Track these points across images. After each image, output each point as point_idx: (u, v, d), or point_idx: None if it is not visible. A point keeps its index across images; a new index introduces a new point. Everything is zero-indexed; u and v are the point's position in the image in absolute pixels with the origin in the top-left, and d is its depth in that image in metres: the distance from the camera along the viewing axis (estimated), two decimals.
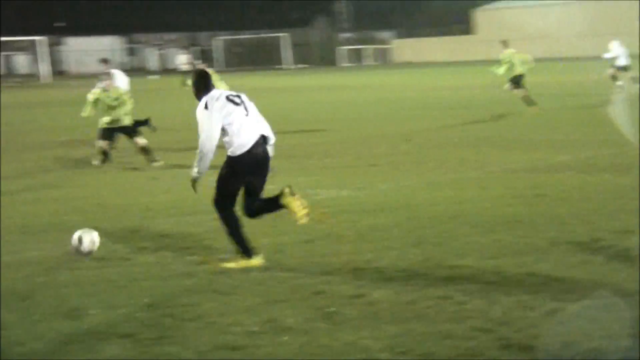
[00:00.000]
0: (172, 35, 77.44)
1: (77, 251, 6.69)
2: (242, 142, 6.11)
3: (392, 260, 6.32)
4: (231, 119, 6.10)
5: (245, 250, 6.30)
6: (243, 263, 6.28)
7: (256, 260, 6.30)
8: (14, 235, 7.83)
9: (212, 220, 8.14)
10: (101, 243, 6.79)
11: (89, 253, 6.71)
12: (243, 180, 6.21)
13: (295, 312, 5.20)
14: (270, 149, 6.34)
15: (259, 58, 72.04)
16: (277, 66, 68.31)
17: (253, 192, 6.29)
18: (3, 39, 56.75)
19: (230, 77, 53.75)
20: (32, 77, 58.52)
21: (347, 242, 7.05)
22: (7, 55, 67.64)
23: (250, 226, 6.47)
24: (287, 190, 6.26)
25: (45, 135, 18.30)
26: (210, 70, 8.51)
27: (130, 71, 33.04)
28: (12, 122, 21.93)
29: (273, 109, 26.20)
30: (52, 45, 65.06)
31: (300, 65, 69.19)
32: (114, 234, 7.63)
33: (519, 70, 19.37)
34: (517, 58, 19.53)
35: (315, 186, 10.08)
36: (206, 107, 6.10)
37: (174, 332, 4.90)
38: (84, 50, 67.28)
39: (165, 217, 8.48)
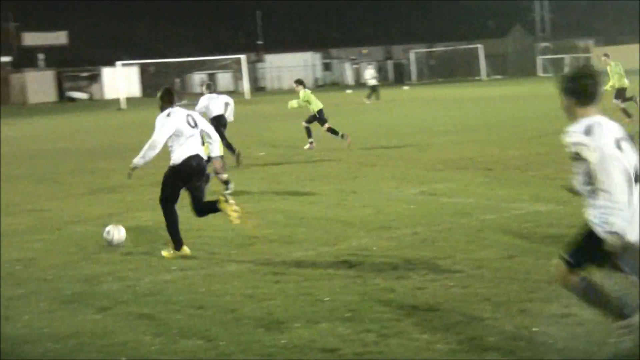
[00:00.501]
0: (367, 49, 78.84)
1: (109, 243, 8.44)
2: (181, 154, 7.89)
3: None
4: (180, 133, 7.89)
5: (177, 242, 7.94)
6: (172, 253, 7.90)
7: (184, 251, 7.92)
8: (220, 247, 8.33)
9: (412, 235, 8.15)
10: (298, 257, 7.11)
11: (119, 244, 8.42)
12: (181, 185, 7.98)
13: (497, 330, 5.12)
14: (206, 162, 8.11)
15: (455, 69, 71.38)
16: (473, 77, 67.27)
17: (195, 195, 8.00)
18: (208, 58, 61.21)
19: (425, 89, 53.23)
20: (234, 94, 62.61)
21: (549, 258, 6.80)
22: (211, 74, 72.87)
23: (446, 242, 6.40)
24: (222, 198, 7.92)
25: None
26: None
27: (326, 86, 33.94)
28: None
29: (473, 117, 25.60)
30: (252, 62, 69.01)
31: (496, 77, 67.60)
32: (311, 248, 7.91)
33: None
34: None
35: (514, 200, 9.84)
36: (167, 115, 7.95)
37: (376, 348, 4.96)
38: (281, 66, 70.57)
39: (364, 231, 8.63)
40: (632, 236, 4.27)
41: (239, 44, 70.43)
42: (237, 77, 66.87)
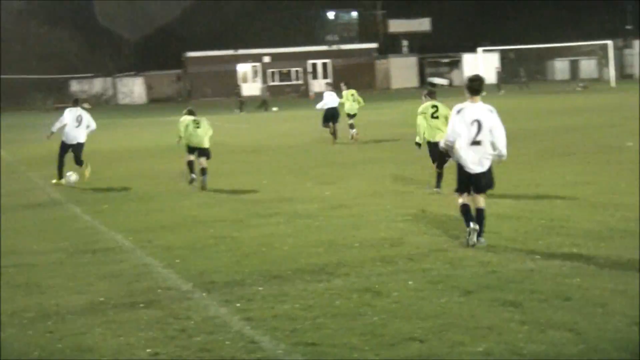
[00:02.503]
0: None
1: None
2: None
3: None
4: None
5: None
6: None
7: None
8: (585, 240, 8.12)
9: None
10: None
11: None
12: None
13: None
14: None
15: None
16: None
17: None
18: (572, 44, 58.68)
19: None
20: (598, 82, 59.16)
21: None
22: (573, 61, 69.73)
23: None
24: None
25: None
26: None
27: None
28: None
29: None
30: (619, 49, 64.39)
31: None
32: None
33: None
34: None
35: None
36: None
37: None
38: None
39: None
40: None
41: (606, 29, 66.09)
42: (602, 64, 63.05)
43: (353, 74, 70.33)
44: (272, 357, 5.21)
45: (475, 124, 8.22)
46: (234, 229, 9.84)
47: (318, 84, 68.11)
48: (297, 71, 70.39)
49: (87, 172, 15.87)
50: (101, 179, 15.97)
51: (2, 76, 66.27)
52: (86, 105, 20.03)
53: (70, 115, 15.66)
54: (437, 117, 12.63)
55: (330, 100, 22.93)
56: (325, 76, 70.67)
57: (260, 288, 6.94)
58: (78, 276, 7.74)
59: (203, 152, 14.20)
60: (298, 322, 5.87)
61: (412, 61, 72.42)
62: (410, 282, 6.90)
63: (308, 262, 7.87)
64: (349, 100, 22.78)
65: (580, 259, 7.38)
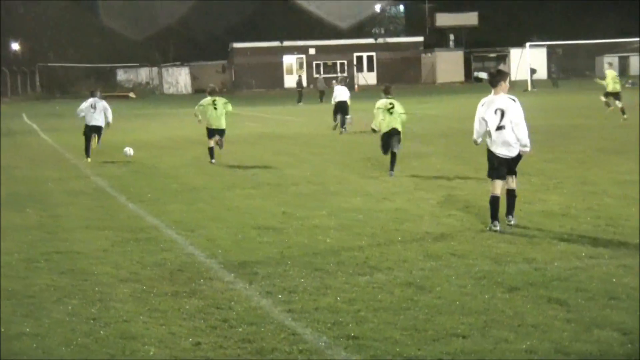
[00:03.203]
0: None
1: None
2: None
3: None
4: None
5: None
6: None
7: None
8: (634, 238, 7.99)
9: None
10: None
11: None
12: None
13: None
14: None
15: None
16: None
17: None
18: (621, 40, 57.41)
19: None
20: None
21: None
22: (622, 57, 68.31)
23: None
24: None
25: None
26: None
27: None
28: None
29: None
30: None
31: None
32: None
33: None
34: None
35: None
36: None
37: None
38: None
39: None
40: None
41: None
42: None
43: (399, 68, 70.20)
44: (313, 349, 5.22)
45: (499, 112, 8.85)
46: (277, 220, 9.89)
47: (363, 77, 68.05)
48: (342, 64, 70.24)
49: (95, 144, 18.52)
50: (146, 169, 16.20)
51: (51, 64, 67.48)
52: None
53: (86, 103, 18.55)
54: (392, 113, 14.07)
55: (339, 93, 24.12)
56: (370, 69, 70.48)
57: (302, 280, 6.97)
58: (122, 264, 7.85)
59: (220, 133, 16.68)
60: (340, 315, 5.88)
61: (458, 55, 71.76)
62: (453, 278, 6.87)
63: (351, 255, 7.88)
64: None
65: (628, 258, 7.26)
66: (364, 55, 70.91)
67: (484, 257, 7.59)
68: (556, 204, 10.26)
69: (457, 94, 48.82)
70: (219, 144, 16.82)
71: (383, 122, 13.98)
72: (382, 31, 78.31)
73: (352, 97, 25.95)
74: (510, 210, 9.05)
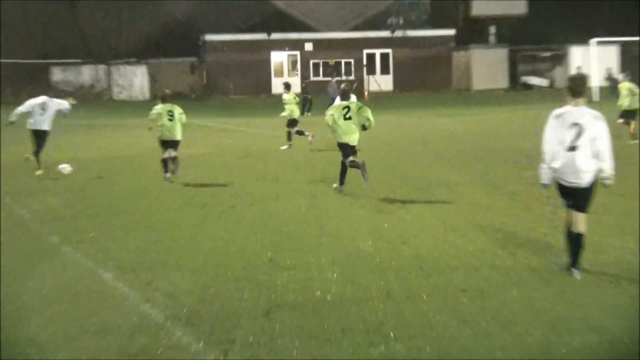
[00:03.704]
0: None
1: None
2: None
3: None
4: None
5: None
6: None
7: None
8: None
9: None
10: None
11: None
12: None
13: None
14: None
15: None
16: None
17: None
18: None
19: None
20: None
21: None
22: None
23: None
24: None
25: None
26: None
27: None
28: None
29: None
30: None
31: None
32: None
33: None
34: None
35: None
36: None
37: None
38: None
39: None
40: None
41: None
42: None
43: (422, 70, 70.52)
44: None
45: (575, 128, 8.95)
46: (261, 270, 9.82)
47: (375, 82, 68.39)
48: (348, 63, 70.69)
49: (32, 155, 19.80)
50: (88, 196, 16.14)
51: None
52: (71, 101, 21.34)
53: (35, 101, 20.04)
54: (349, 119, 15.84)
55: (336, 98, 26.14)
56: (385, 71, 70.84)
57: (294, 351, 6.94)
58: (55, 328, 7.76)
59: (174, 145, 18.40)
60: None
61: (501, 54, 72.03)
62: (498, 353, 6.86)
63: (360, 318, 7.84)
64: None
65: None
66: (377, 52, 71.34)
67: (539, 324, 7.54)
68: (633, 253, 10.22)
69: (498, 104, 49.02)
70: (173, 167, 18.49)
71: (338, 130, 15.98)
72: (401, 22, 78.59)
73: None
74: (575, 260, 9.14)
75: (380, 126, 28.08)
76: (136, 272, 9.84)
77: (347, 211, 14.01)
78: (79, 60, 70.68)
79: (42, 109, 19.96)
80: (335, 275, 9.52)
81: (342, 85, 16.96)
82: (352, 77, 68.65)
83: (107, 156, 24.32)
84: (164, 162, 18.44)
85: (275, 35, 69.50)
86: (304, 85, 51.78)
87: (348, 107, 16.00)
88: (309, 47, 70.23)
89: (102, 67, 71.61)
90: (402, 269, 9.79)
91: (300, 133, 25.93)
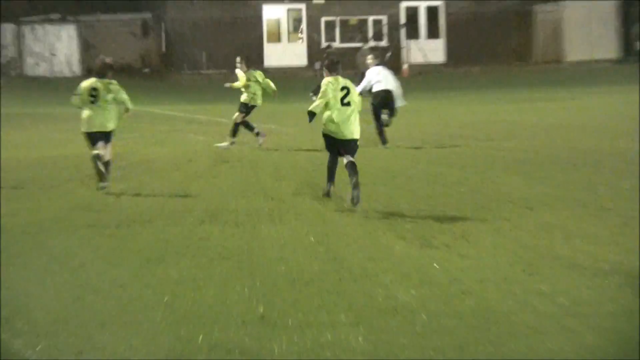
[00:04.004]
0: None
1: None
2: None
3: None
4: None
5: None
6: None
7: None
8: None
9: None
10: None
11: None
12: None
13: None
14: None
15: None
16: None
17: None
18: None
19: None
20: None
21: None
22: None
23: None
24: None
25: None
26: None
27: None
28: None
29: None
30: None
31: None
32: None
33: None
34: None
35: None
36: None
37: None
38: None
39: None
40: None
41: None
42: None
43: (488, 32, 70.48)
44: None
45: None
46: (248, 332, 9.78)
47: (419, 50, 68.34)
48: (377, 22, 70.80)
49: None
50: None
51: None
52: None
53: None
54: (348, 104, 16.74)
55: (377, 78, 27.05)
56: (433, 34, 70.89)
57: None
58: None
59: (105, 137, 19.19)
60: None
61: (608, 8, 71.93)
62: None
63: None
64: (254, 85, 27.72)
65: None
66: (422, 5, 71.51)
67: None
68: None
69: (603, 83, 48.94)
70: (103, 171, 19.10)
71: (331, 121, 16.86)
72: None
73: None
74: None
75: (425, 116, 28.19)
76: (66, 347, 9.77)
77: (376, 241, 14.01)
78: None
79: None
80: (360, 341, 9.46)
81: (324, 60, 17.98)
82: (383, 43, 68.76)
83: (22, 162, 24.33)
84: (96, 162, 18.95)
85: None
86: (325, 56, 51.63)
87: (347, 87, 16.74)
88: None
89: (8, 27, 71.76)
90: (462, 332, 9.74)
91: (248, 127, 27.22)
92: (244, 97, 27.36)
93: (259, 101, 27.31)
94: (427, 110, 36.96)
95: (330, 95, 16.61)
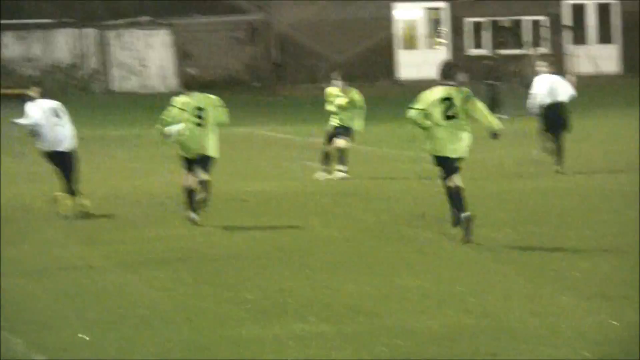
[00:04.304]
0: None
1: None
2: None
3: None
4: None
5: None
6: None
7: None
8: None
9: None
10: None
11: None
12: None
13: None
14: None
15: None
16: None
17: None
18: None
19: None
20: None
21: None
22: None
23: None
24: None
25: None
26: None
27: None
28: None
29: None
30: None
31: None
32: None
33: None
34: None
35: None
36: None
37: None
38: None
39: None
40: None
41: None
42: None
43: None
44: None
45: None
46: None
47: (588, 57, 67.70)
48: (535, 24, 70.50)
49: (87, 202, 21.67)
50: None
51: None
52: (32, 93, 22.17)
53: (36, 108, 21.71)
54: (453, 117, 16.94)
55: (545, 88, 27.87)
56: (605, 38, 70.30)
57: None
58: None
59: (204, 164, 19.87)
60: None
61: None
62: None
63: None
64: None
65: None
66: (590, 3, 70.95)
67: None
68: None
69: None
70: (203, 198, 19.73)
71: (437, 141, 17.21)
72: None
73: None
74: None
75: (592, 139, 28.16)
76: None
77: (536, 292, 13.87)
78: (48, 20, 71.51)
79: (56, 116, 21.53)
80: None
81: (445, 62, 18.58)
82: (542, 49, 67.99)
83: (104, 196, 24.66)
84: (188, 192, 19.57)
85: None
86: (491, 64, 51.48)
87: (449, 98, 16.92)
88: None
89: (90, 33, 72.37)
90: None
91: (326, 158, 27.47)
92: (343, 120, 27.64)
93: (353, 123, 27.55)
94: (597, 131, 36.72)
95: (432, 110, 16.95)
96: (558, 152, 26.73)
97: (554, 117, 27.02)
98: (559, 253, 16.33)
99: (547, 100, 27.18)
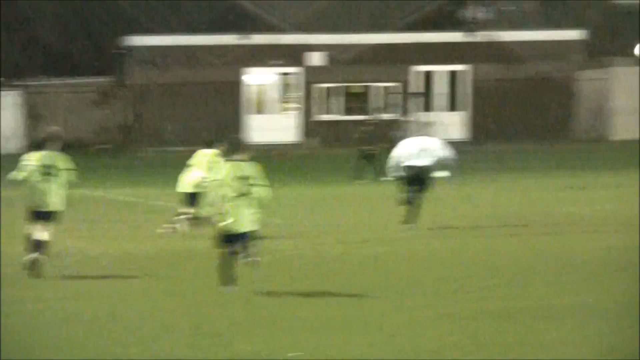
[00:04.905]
0: None
1: None
2: None
3: None
4: None
5: None
6: None
7: None
8: None
9: None
10: None
11: None
12: None
13: None
14: None
15: None
16: None
17: None
18: None
19: None
20: None
21: None
22: None
23: None
24: None
25: None
26: None
27: None
28: None
29: None
30: None
31: None
32: None
33: None
34: None
35: None
36: None
37: None
38: None
39: None
40: None
41: None
42: None
43: (518, 101, 70.33)
44: None
45: None
46: None
47: (436, 123, 68.10)
48: (386, 90, 70.84)
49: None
50: None
51: None
52: None
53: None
54: (245, 194, 17.45)
55: (408, 149, 28.72)
56: (453, 104, 70.87)
57: None
58: None
59: (47, 217, 20.30)
60: None
61: None
62: None
63: None
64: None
65: None
66: (439, 70, 71.46)
67: None
68: None
69: None
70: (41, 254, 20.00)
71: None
72: (484, 14, 78.38)
73: None
74: None
75: (440, 205, 28.59)
76: None
77: None
78: None
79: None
80: None
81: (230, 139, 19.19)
82: (388, 115, 67.81)
83: None
84: (34, 242, 20.03)
85: (256, 39, 69.79)
86: (369, 127, 51.37)
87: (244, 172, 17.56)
88: (316, 59, 70.32)
89: None
90: None
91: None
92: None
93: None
94: (443, 200, 37.05)
95: (227, 187, 17.52)
96: (414, 209, 27.46)
97: (416, 178, 27.74)
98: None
99: (411, 162, 27.93)
